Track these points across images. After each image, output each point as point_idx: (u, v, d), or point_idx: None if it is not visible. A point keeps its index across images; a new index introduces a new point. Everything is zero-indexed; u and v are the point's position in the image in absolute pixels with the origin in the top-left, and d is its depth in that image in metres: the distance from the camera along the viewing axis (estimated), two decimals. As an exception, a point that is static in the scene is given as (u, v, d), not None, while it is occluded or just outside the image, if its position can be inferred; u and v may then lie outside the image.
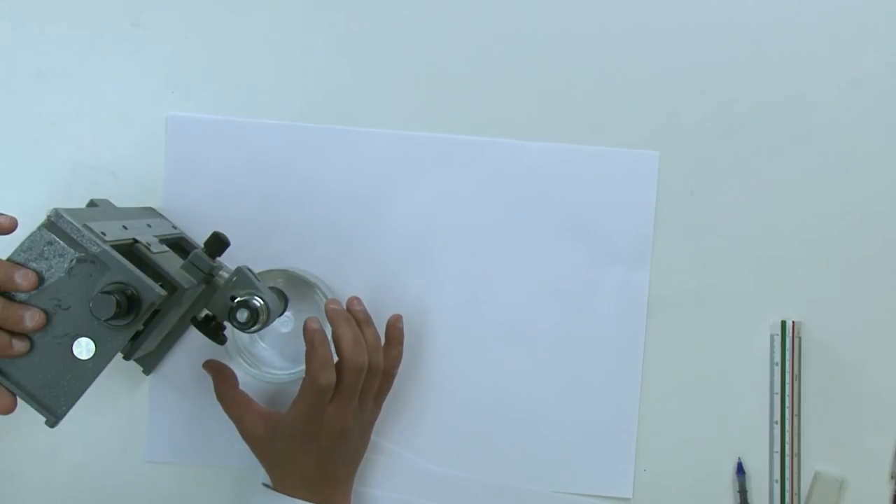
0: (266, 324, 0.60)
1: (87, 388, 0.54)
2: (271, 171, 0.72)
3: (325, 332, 0.64)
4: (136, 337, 0.59)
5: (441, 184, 0.72)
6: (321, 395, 0.63)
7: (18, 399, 0.54)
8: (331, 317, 0.66)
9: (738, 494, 0.73)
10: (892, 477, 0.73)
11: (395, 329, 0.70)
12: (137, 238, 0.59)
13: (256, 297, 0.59)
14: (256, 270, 0.62)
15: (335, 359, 0.64)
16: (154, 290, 0.53)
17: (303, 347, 0.64)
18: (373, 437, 0.70)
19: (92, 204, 0.67)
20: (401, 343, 0.70)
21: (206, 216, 0.71)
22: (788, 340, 0.72)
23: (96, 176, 0.71)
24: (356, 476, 0.70)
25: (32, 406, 0.54)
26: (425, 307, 0.72)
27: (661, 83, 0.73)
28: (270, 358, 0.71)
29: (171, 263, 0.60)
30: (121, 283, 0.53)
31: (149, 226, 0.65)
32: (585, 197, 0.73)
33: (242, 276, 0.60)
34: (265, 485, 0.68)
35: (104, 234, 0.55)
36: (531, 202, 0.72)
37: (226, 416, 0.68)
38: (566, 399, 0.72)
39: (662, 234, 0.73)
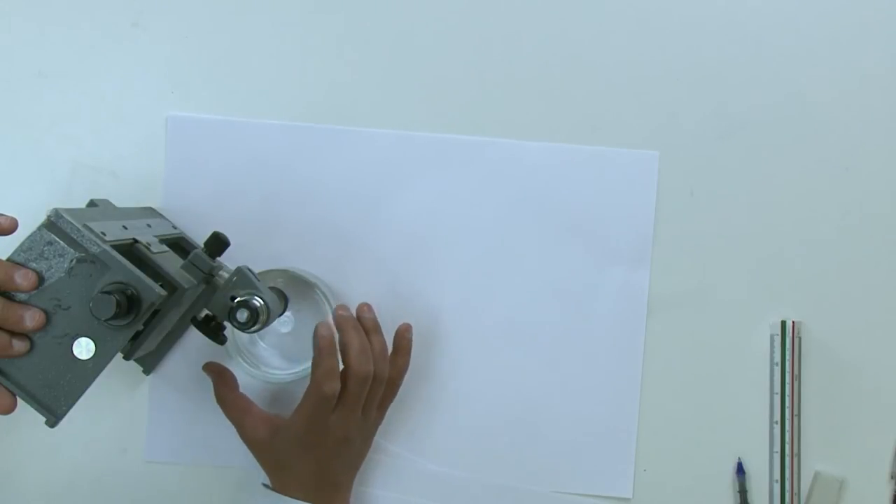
0: (266, 324, 0.60)
1: (87, 388, 0.54)
2: (271, 171, 0.72)
3: (335, 340, 0.64)
4: (136, 337, 0.59)
5: (441, 184, 0.72)
6: (325, 403, 0.63)
7: (18, 399, 0.54)
8: (339, 324, 0.66)
9: (738, 494, 0.73)
10: (892, 477, 0.73)
11: (403, 339, 0.70)
12: (137, 238, 0.59)
13: (256, 297, 0.59)
14: (256, 270, 0.62)
15: (341, 367, 0.64)
16: (154, 290, 0.53)
17: (303, 347, 0.64)
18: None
19: (92, 204, 0.67)
20: (408, 353, 0.70)
21: (206, 216, 0.71)
22: (788, 340, 0.72)
23: (96, 176, 0.71)
24: (356, 476, 0.70)
25: (32, 406, 0.54)
26: (425, 307, 0.72)
27: (661, 83, 0.73)
28: (270, 358, 0.71)
29: (171, 263, 0.60)
30: (121, 283, 0.53)
31: (149, 226, 0.65)
32: (585, 197, 0.72)
33: (242, 276, 0.60)
34: (265, 485, 0.68)
35: (104, 234, 0.55)
36: (531, 202, 0.72)
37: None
38: (566, 399, 0.72)
39: (662, 234, 0.73)
